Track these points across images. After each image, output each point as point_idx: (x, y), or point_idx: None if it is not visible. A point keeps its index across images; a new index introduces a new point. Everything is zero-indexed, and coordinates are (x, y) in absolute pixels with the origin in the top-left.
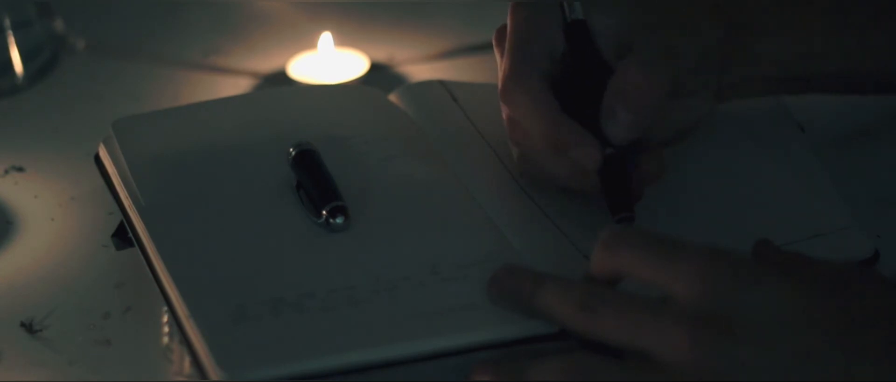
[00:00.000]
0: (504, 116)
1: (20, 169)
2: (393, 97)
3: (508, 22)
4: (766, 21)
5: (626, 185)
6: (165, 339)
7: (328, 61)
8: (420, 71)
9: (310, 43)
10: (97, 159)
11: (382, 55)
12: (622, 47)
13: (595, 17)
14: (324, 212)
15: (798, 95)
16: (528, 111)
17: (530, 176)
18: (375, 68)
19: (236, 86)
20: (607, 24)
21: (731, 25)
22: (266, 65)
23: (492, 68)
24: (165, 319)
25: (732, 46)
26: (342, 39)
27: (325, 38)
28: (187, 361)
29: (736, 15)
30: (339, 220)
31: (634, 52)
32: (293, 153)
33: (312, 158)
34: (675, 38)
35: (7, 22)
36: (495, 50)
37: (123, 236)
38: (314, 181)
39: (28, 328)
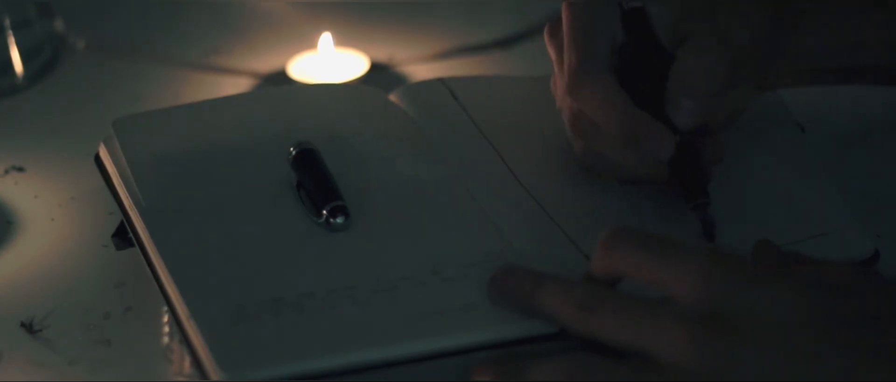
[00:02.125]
0: (566, 109)
1: (20, 169)
2: (393, 97)
3: (564, 14)
4: (813, 12)
5: (698, 170)
6: (165, 339)
7: (328, 61)
8: (420, 71)
9: (310, 43)
10: (97, 159)
11: (382, 55)
12: (679, 34)
13: (650, 5)
14: (324, 212)
15: (841, 85)
16: (599, 105)
17: (594, 169)
18: (375, 68)
19: (236, 86)
20: (663, 12)
21: (778, 15)
22: (266, 65)
23: (492, 68)
24: (165, 319)
25: (778, 36)
26: (342, 39)
27: (325, 38)
28: (187, 361)
29: (782, 4)
30: (339, 220)
31: (693, 39)
32: (293, 153)
33: (313, 157)
34: (731, 24)
35: (7, 22)
36: (549, 44)
37: (123, 236)
38: (314, 181)
39: (28, 328)
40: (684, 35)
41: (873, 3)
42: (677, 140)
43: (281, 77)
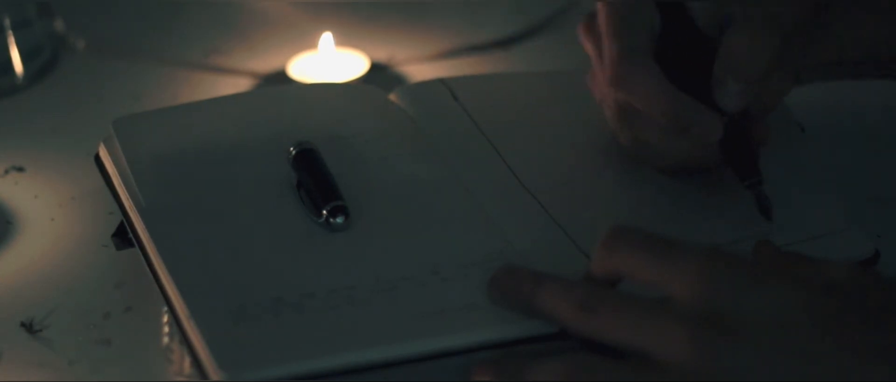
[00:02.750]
0: (610, 101)
1: (20, 169)
2: (393, 97)
3: (600, 8)
4: (849, 3)
5: (748, 150)
6: (165, 339)
7: (328, 61)
8: (420, 71)
9: (310, 43)
10: (97, 159)
11: (382, 55)
12: (719, 18)
13: None
14: (324, 212)
15: (875, 79)
16: (646, 94)
17: (642, 159)
18: (375, 68)
19: (236, 86)
20: None
21: (816, 5)
22: (266, 65)
23: (492, 68)
24: (165, 319)
25: (815, 27)
26: (342, 39)
27: (326, 38)
28: (187, 361)
29: None
30: (339, 220)
31: (738, 22)
32: (293, 152)
33: (313, 157)
34: (774, 7)
35: (7, 22)
36: (584, 39)
37: (123, 236)
38: (314, 181)
39: (28, 328)
40: (726, 19)
41: None
42: (725, 122)
43: (281, 77)
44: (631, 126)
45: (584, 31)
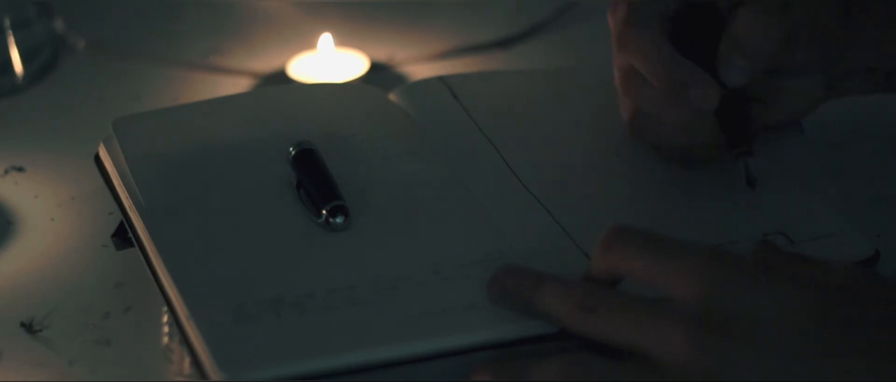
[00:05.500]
0: (617, 68)
1: (20, 169)
2: (393, 96)
3: None
4: (886, 8)
5: (743, 121)
6: (165, 339)
7: (328, 61)
8: (420, 71)
9: (310, 43)
10: (97, 159)
11: (382, 55)
12: None
13: None
14: (324, 212)
15: None
16: (645, 54)
17: (642, 134)
18: (375, 68)
19: (236, 86)
20: None
21: (851, 7)
22: (266, 65)
23: (492, 68)
24: (165, 319)
25: (849, 32)
26: (342, 39)
27: (325, 38)
28: (187, 361)
29: None
30: (339, 219)
31: (749, 1)
32: (293, 152)
33: (312, 157)
34: None
35: (7, 22)
36: (611, 9)
37: (123, 236)
38: (314, 181)
39: (28, 328)
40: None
41: None
42: (723, 92)
43: (281, 77)
44: (632, 95)
45: (611, 9)
